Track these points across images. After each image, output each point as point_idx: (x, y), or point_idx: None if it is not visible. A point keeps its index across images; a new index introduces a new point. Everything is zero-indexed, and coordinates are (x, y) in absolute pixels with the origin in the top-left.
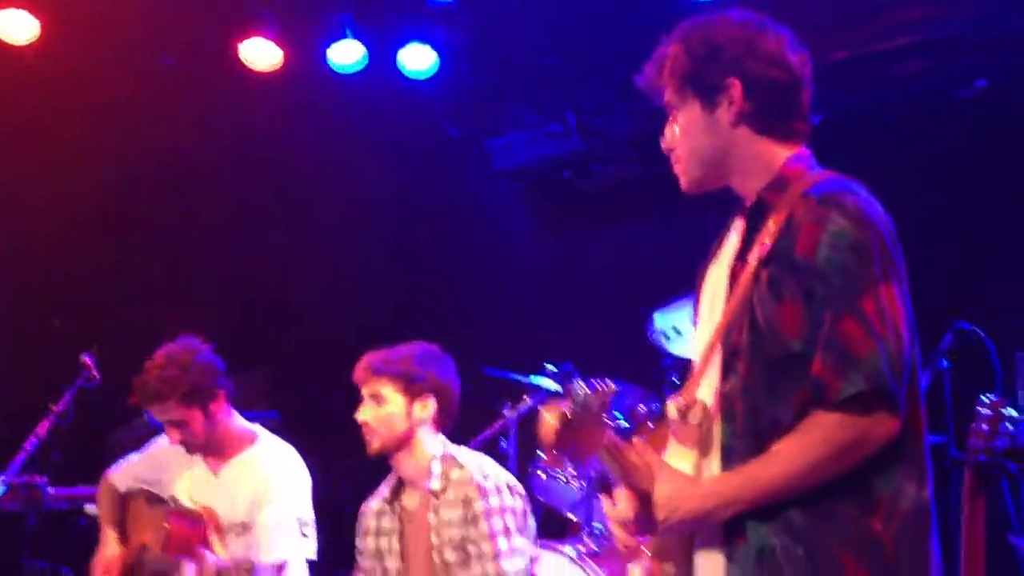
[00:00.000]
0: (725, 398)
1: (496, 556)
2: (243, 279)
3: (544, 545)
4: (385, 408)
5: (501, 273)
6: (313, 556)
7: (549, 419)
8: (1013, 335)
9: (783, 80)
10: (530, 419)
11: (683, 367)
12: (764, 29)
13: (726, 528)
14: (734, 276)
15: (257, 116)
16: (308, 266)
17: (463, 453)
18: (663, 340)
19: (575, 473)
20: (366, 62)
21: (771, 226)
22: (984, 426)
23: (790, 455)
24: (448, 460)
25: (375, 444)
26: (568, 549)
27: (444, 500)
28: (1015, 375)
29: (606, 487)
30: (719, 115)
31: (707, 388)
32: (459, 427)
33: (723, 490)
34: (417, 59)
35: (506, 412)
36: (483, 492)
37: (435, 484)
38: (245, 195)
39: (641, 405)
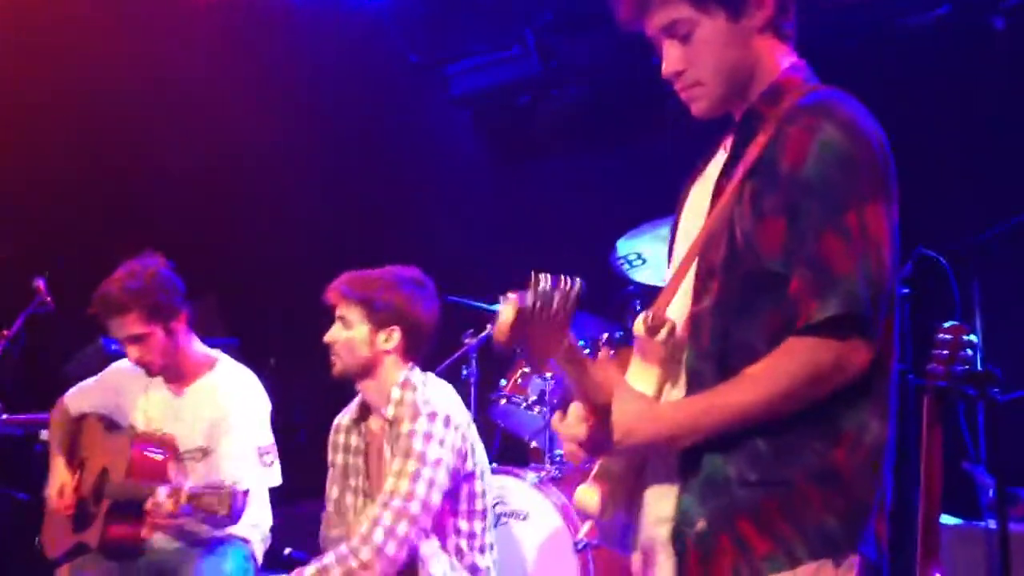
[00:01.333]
0: (695, 319)
1: (405, 475)
2: (195, 206)
3: (506, 471)
4: (350, 332)
5: (459, 201)
6: (277, 482)
7: (506, 311)
8: (972, 261)
9: None
10: (491, 347)
11: (646, 294)
12: None
13: (681, 458)
14: (718, 192)
15: (206, 41)
16: (261, 193)
17: (421, 380)
18: (626, 267)
19: (535, 398)
20: None
21: (760, 138)
22: (943, 352)
23: (758, 381)
24: (406, 385)
25: (338, 366)
26: (530, 475)
27: (396, 428)
28: (973, 302)
29: (564, 408)
30: (745, 24)
31: (678, 307)
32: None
33: (684, 416)
34: None
35: (467, 340)
36: (415, 415)
37: (390, 411)
38: (196, 122)
39: (604, 333)
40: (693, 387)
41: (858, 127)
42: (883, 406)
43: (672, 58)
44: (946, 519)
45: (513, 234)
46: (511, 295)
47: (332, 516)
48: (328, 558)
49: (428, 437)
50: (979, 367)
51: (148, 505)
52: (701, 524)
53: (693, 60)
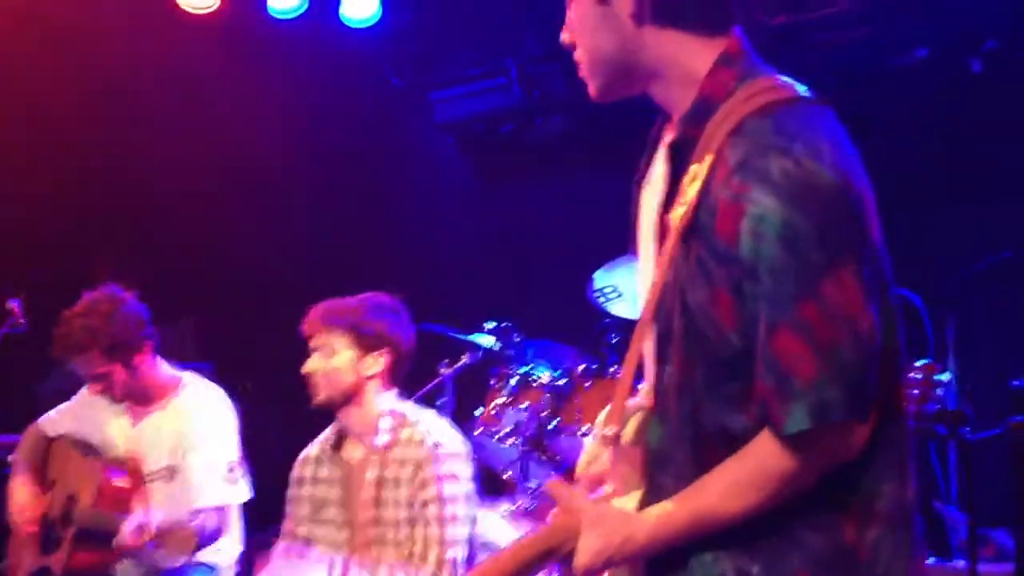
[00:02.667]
0: (660, 393)
1: (442, 522)
2: (175, 227)
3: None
4: (334, 360)
5: (441, 227)
6: (245, 497)
7: None
8: (946, 301)
9: None
10: (467, 377)
11: (622, 326)
12: None
13: (663, 562)
14: (659, 234)
15: (193, 61)
16: (243, 215)
17: (414, 411)
18: (603, 300)
19: (510, 429)
20: (306, 7)
21: (694, 176)
22: (915, 391)
23: (729, 495)
24: (397, 417)
25: (321, 396)
26: (503, 506)
27: (391, 457)
28: (947, 341)
29: (541, 446)
30: (613, 7)
31: (648, 378)
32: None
33: (662, 530)
34: (359, 7)
35: (443, 370)
36: (436, 458)
37: (381, 439)
38: (179, 141)
39: (580, 365)
40: (667, 471)
41: (800, 183)
42: (897, 461)
43: (566, 26)
44: None
45: (493, 262)
46: None
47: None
48: None
49: (455, 478)
50: (952, 406)
51: (115, 541)
52: None
53: (574, 36)
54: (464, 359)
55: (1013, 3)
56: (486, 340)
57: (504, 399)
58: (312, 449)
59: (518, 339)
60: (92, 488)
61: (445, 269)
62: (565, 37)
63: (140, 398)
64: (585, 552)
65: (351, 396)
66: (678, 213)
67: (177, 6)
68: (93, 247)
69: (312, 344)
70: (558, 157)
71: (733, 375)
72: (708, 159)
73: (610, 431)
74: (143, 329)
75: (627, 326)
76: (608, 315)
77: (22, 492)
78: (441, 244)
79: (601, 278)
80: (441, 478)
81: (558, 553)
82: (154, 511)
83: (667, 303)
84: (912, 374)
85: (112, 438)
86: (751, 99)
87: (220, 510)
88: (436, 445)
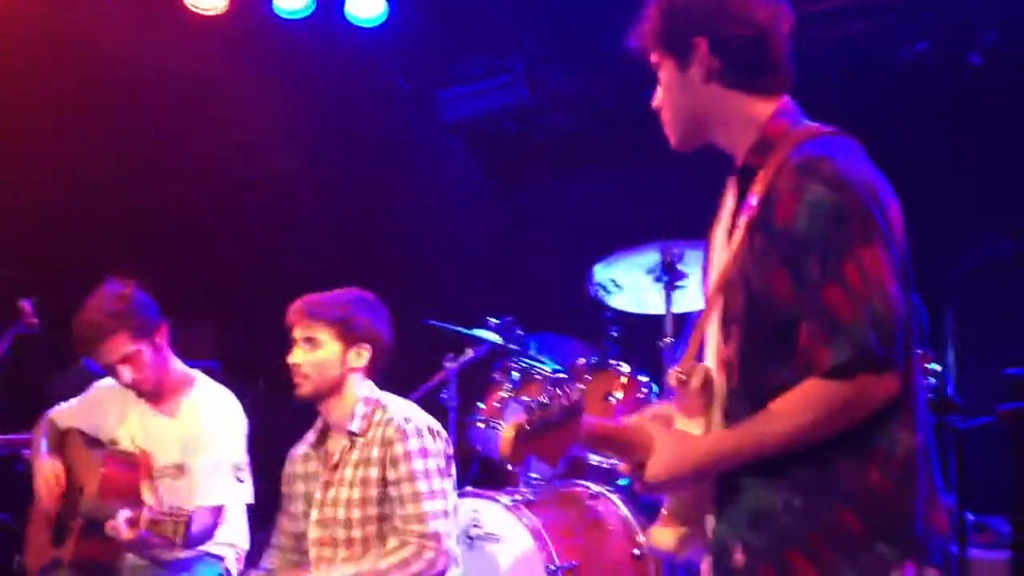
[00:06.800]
0: (726, 363)
1: (417, 497)
2: (183, 227)
3: (480, 494)
4: (319, 353)
5: (446, 225)
6: (250, 500)
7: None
8: (944, 293)
9: (749, 35)
10: (470, 371)
11: (621, 320)
12: None
13: (719, 485)
14: (729, 240)
15: (200, 61)
16: (250, 214)
17: (388, 398)
18: (603, 293)
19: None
20: (313, 7)
21: (758, 191)
22: None
23: (785, 417)
24: (371, 403)
25: (306, 388)
26: (504, 498)
27: (365, 440)
28: (945, 332)
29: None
30: (691, 73)
31: (711, 353)
32: (401, 378)
33: (718, 447)
34: (366, 6)
35: (447, 364)
36: (404, 434)
37: (355, 425)
38: (189, 143)
39: (581, 358)
40: (728, 425)
41: (844, 179)
42: (911, 418)
43: (657, 94)
44: None
45: (497, 258)
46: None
47: (281, 554)
48: (406, 551)
49: (424, 453)
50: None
51: (107, 529)
52: (739, 557)
53: (663, 100)
54: (468, 353)
55: None
56: (490, 335)
57: (507, 391)
58: (299, 448)
59: (521, 333)
60: (97, 480)
61: (451, 265)
62: (655, 103)
63: (156, 391)
64: (656, 464)
65: (334, 389)
66: (744, 219)
67: (184, 7)
68: (105, 253)
69: (295, 335)
70: (563, 155)
71: (782, 338)
72: (770, 176)
73: (680, 373)
74: (156, 310)
75: (626, 319)
76: (608, 308)
77: (49, 467)
78: (448, 241)
79: (600, 272)
80: (410, 454)
81: (630, 455)
82: (149, 504)
83: (731, 290)
84: None
85: (122, 433)
86: (804, 133)
87: (217, 509)
88: (406, 420)
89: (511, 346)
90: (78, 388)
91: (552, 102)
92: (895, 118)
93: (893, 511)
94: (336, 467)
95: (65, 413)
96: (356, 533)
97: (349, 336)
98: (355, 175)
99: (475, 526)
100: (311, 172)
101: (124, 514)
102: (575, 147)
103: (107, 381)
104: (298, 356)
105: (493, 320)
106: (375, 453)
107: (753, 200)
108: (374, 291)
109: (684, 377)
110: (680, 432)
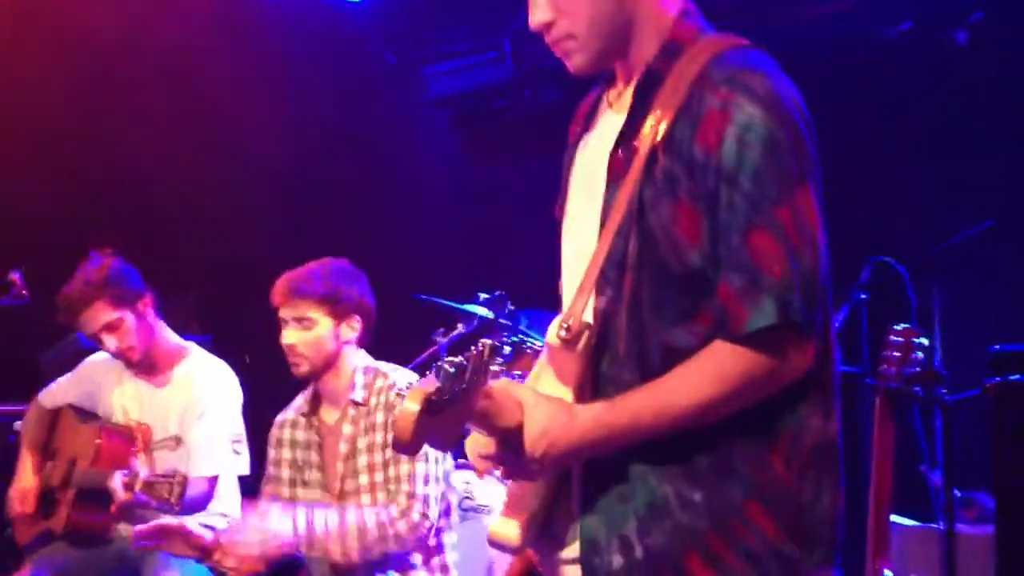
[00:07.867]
0: (602, 316)
1: (414, 458)
2: (169, 202)
3: (472, 466)
4: (313, 332)
5: (435, 200)
6: (246, 471)
7: (409, 407)
8: (931, 269)
9: None
10: (461, 346)
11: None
12: None
13: (587, 467)
14: (616, 165)
15: (185, 39)
16: (236, 191)
17: (387, 366)
18: None
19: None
20: None
21: (665, 102)
22: (895, 353)
23: (691, 387)
24: (371, 371)
25: (304, 368)
26: (496, 470)
27: (368, 409)
28: (933, 309)
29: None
30: None
31: (588, 306)
32: (390, 353)
33: (609, 419)
34: None
35: (437, 339)
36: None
37: (358, 395)
38: (172, 118)
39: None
40: (604, 394)
41: (781, 102)
42: (826, 401)
43: (540, 6)
44: (902, 520)
45: (486, 233)
46: (414, 384)
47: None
48: (369, 519)
49: None
50: (936, 366)
51: (107, 485)
52: (618, 559)
53: (563, 9)
54: (459, 328)
55: None
56: (480, 310)
57: (498, 366)
58: (287, 414)
59: (511, 308)
60: (91, 450)
61: (440, 241)
62: (538, 19)
63: (149, 363)
64: (532, 429)
65: (332, 363)
66: (645, 139)
67: None
68: (92, 225)
69: (283, 315)
70: (550, 130)
71: (683, 291)
72: (682, 87)
73: (566, 327)
74: (138, 280)
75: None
76: None
77: (28, 477)
78: (436, 216)
79: None
80: None
81: (491, 423)
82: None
83: (621, 229)
84: (892, 337)
85: (116, 406)
86: (719, 42)
87: (213, 479)
88: (408, 385)
89: (502, 320)
90: (70, 360)
91: (539, 78)
92: (880, 96)
93: (805, 510)
94: (331, 436)
95: (55, 391)
96: (365, 499)
97: (339, 310)
98: (342, 151)
99: (467, 498)
100: (297, 148)
101: (119, 476)
102: (562, 123)
103: (99, 355)
104: (292, 337)
105: (483, 295)
106: (379, 418)
107: (660, 116)
108: (363, 266)
109: (568, 335)
110: (557, 399)
